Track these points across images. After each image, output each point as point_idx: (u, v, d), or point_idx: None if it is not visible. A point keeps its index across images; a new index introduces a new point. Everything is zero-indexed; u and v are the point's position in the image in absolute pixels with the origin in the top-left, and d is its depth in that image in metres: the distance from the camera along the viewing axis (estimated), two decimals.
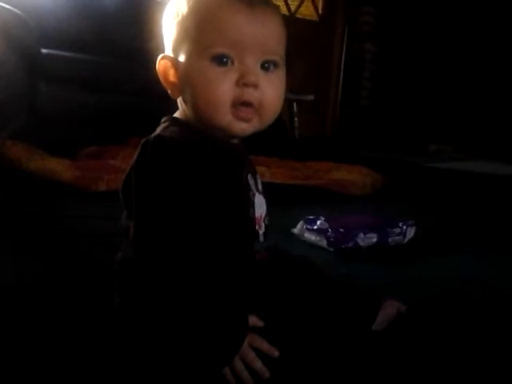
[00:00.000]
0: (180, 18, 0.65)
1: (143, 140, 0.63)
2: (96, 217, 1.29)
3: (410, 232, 1.27)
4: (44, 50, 2.22)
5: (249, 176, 0.70)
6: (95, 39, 2.56)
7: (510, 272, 1.15)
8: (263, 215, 0.71)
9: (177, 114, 0.70)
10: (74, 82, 2.26)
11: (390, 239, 1.22)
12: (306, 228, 1.24)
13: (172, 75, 0.67)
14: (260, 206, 0.70)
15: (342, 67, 4.21)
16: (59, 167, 1.66)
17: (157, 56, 0.69)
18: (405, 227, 1.25)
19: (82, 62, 2.33)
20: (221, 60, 0.63)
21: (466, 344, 0.77)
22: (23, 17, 2.11)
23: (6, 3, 2.07)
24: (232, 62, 0.63)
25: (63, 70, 2.24)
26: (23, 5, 2.18)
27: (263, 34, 0.64)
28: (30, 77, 2.11)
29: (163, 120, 0.69)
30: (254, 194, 0.69)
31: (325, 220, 1.23)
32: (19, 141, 1.85)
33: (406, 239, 1.26)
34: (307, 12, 4.10)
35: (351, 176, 1.96)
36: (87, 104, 2.27)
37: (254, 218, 0.69)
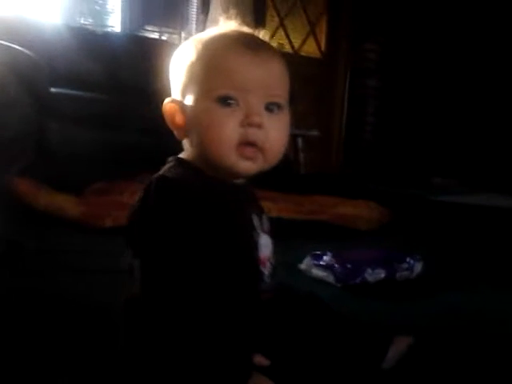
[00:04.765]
0: (188, 62, 0.67)
1: (147, 180, 0.64)
2: (102, 252, 1.29)
3: (418, 267, 1.26)
4: (54, 89, 2.26)
5: (254, 216, 0.70)
6: (104, 78, 2.62)
7: None
8: (269, 255, 0.71)
9: (182, 155, 0.71)
10: (82, 120, 2.29)
11: (397, 274, 1.22)
12: (313, 263, 1.24)
13: (179, 118, 0.68)
14: (265, 246, 0.70)
15: (346, 103, 4.26)
16: (67, 204, 1.67)
17: (163, 95, 0.71)
18: (412, 262, 1.24)
19: (90, 100, 2.37)
20: (225, 101, 0.64)
21: (475, 379, 0.76)
22: (34, 57, 2.17)
23: (18, 45, 2.12)
24: (237, 104, 0.65)
25: (72, 109, 2.28)
26: (34, 45, 2.24)
27: (267, 78, 0.66)
28: (39, 115, 2.15)
29: (169, 160, 0.70)
30: (258, 235, 0.70)
31: (332, 255, 1.23)
32: (27, 177, 1.87)
33: (414, 274, 1.25)
34: (310, 49, 4.18)
35: (357, 210, 1.96)
36: (96, 141, 2.30)
37: (258, 258, 0.69)
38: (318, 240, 1.54)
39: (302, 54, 4.10)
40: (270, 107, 0.66)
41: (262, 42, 0.69)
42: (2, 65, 2.01)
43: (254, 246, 0.69)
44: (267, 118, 0.66)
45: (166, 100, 0.70)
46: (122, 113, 2.40)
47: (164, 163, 0.70)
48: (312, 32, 4.16)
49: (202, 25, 3.53)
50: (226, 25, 0.70)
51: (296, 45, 4.07)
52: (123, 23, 3.66)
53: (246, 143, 0.65)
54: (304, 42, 4.12)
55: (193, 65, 0.67)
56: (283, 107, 0.68)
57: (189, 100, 0.67)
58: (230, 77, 0.64)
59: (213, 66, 0.65)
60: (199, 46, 0.67)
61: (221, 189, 0.68)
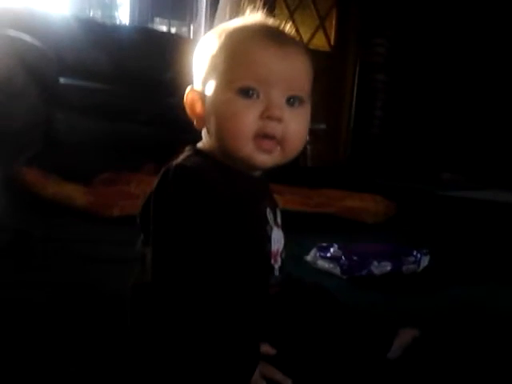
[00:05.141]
0: (210, 53, 0.67)
1: (164, 167, 0.64)
2: (109, 242, 1.30)
3: (424, 260, 1.25)
4: (62, 80, 2.27)
5: (268, 210, 0.70)
6: (111, 69, 2.62)
7: None
8: (280, 249, 0.71)
9: (200, 145, 0.71)
10: (90, 110, 2.30)
11: (404, 267, 1.21)
12: (320, 255, 1.24)
13: (199, 107, 0.68)
14: (277, 241, 0.70)
15: (354, 97, 4.24)
16: (74, 193, 1.68)
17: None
18: (419, 255, 1.24)
19: (98, 91, 2.38)
20: (247, 93, 0.64)
21: (480, 372, 0.76)
22: (42, 48, 2.17)
23: (27, 36, 2.13)
24: (258, 96, 0.64)
25: (80, 99, 2.28)
26: (43, 37, 2.24)
27: (290, 71, 0.65)
28: (47, 106, 2.15)
29: (187, 148, 0.70)
30: (271, 229, 0.70)
31: (338, 248, 1.23)
32: (36, 167, 1.88)
33: (420, 268, 1.25)
34: (320, 43, 4.16)
35: (364, 204, 1.96)
36: (103, 132, 2.30)
37: (269, 252, 0.69)
38: (324, 232, 1.53)
39: (311, 47, 4.08)
40: (291, 101, 0.66)
41: (287, 36, 0.69)
42: (11, 56, 2.02)
43: (267, 240, 0.69)
44: (288, 111, 0.65)
45: (188, 89, 0.70)
46: (130, 104, 2.41)
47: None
48: (321, 26, 4.14)
49: (212, 17, 3.52)
50: (251, 16, 0.70)
51: (305, 38, 4.05)
52: (132, 15, 3.66)
53: (264, 136, 0.64)
54: (313, 35, 4.10)
55: (216, 55, 0.67)
56: (304, 101, 0.68)
57: (210, 90, 0.66)
58: (251, 69, 0.64)
59: (235, 57, 0.65)
60: (223, 37, 0.67)
61: (237, 180, 0.67)
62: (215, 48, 0.67)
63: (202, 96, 0.68)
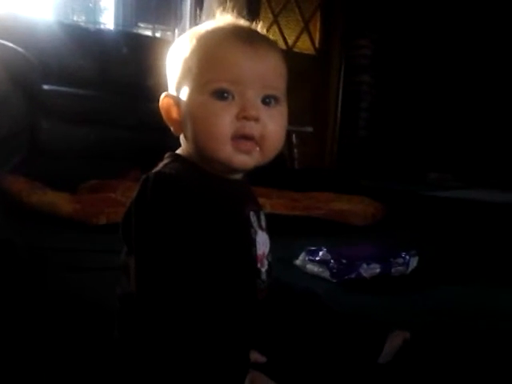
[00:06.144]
0: (183, 56, 0.66)
1: (144, 176, 0.63)
2: (96, 250, 1.28)
3: (413, 262, 1.26)
4: (45, 86, 2.25)
5: (251, 213, 0.70)
6: (96, 75, 2.61)
7: None
8: (266, 253, 0.70)
9: (179, 151, 0.70)
10: (74, 116, 2.28)
11: (393, 270, 1.21)
12: (309, 259, 1.24)
13: (174, 112, 0.68)
14: (262, 244, 0.70)
15: (340, 99, 4.26)
16: (60, 201, 1.66)
17: (156, 91, 0.70)
18: (408, 257, 1.24)
19: (82, 97, 2.36)
20: (221, 94, 0.63)
21: (471, 374, 0.76)
22: (26, 54, 2.15)
23: (10, 42, 2.10)
24: (233, 97, 0.63)
25: (64, 106, 2.27)
26: (27, 43, 2.22)
27: (263, 69, 0.64)
28: (31, 112, 2.13)
29: (166, 156, 0.69)
30: (255, 232, 0.69)
31: (327, 251, 1.22)
32: (20, 175, 1.86)
33: (409, 269, 1.25)
34: (304, 46, 4.18)
35: (352, 206, 1.96)
36: (88, 138, 2.29)
37: (255, 255, 0.68)
38: (312, 236, 1.53)
39: (296, 50, 4.10)
40: (267, 100, 0.65)
41: (258, 35, 0.68)
42: None
43: (252, 244, 0.68)
44: (264, 111, 0.64)
45: (162, 95, 0.69)
46: (115, 110, 2.39)
47: (156, 159, 0.69)
48: (306, 28, 4.16)
49: (196, 22, 3.52)
50: (222, 18, 0.69)
51: (290, 41, 4.07)
52: (116, 20, 3.65)
53: (242, 136, 0.63)
54: (298, 38, 4.12)
55: (187, 58, 0.66)
56: (280, 100, 0.67)
57: (184, 94, 0.66)
58: (224, 70, 0.63)
59: (207, 59, 0.64)
60: (194, 40, 0.66)
61: (217, 185, 0.67)
62: (187, 51, 0.66)
63: (177, 101, 0.67)
